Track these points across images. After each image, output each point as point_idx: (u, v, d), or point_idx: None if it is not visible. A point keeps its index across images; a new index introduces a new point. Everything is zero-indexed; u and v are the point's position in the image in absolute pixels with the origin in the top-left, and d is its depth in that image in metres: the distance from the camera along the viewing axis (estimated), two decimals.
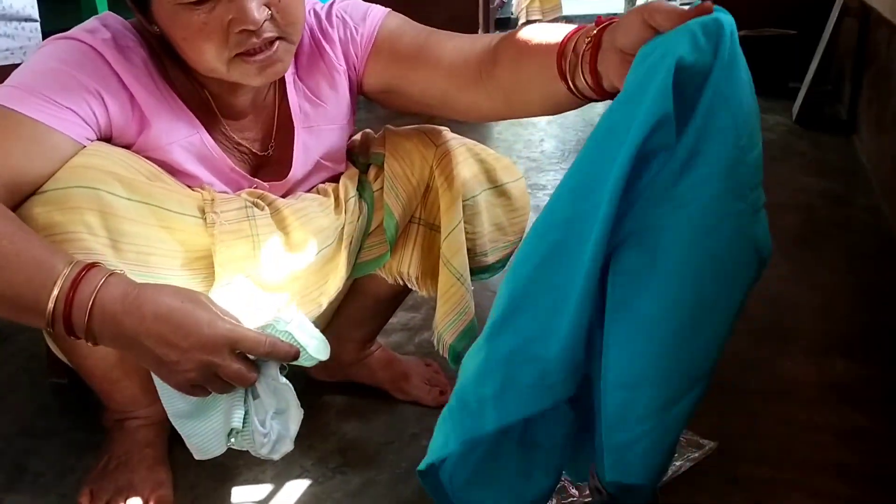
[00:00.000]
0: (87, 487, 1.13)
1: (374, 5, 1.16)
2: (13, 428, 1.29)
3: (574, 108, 0.97)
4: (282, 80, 1.11)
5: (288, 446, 0.97)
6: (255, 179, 1.11)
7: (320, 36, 1.13)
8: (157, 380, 0.93)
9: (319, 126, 1.15)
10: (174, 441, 1.21)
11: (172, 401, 0.95)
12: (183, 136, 1.02)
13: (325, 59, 1.13)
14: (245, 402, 0.94)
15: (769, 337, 1.58)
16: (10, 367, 1.46)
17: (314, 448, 1.24)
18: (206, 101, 1.05)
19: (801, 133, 3.04)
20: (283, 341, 0.92)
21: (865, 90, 2.87)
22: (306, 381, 1.38)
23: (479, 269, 1.26)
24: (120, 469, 1.14)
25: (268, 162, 1.14)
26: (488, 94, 1.06)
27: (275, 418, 0.95)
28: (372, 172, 1.24)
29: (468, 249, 1.20)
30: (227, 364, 0.88)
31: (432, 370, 1.44)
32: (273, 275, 1.08)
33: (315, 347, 0.94)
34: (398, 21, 1.15)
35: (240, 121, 1.09)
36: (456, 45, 1.09)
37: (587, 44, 0.86)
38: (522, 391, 0.82)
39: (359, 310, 1.35)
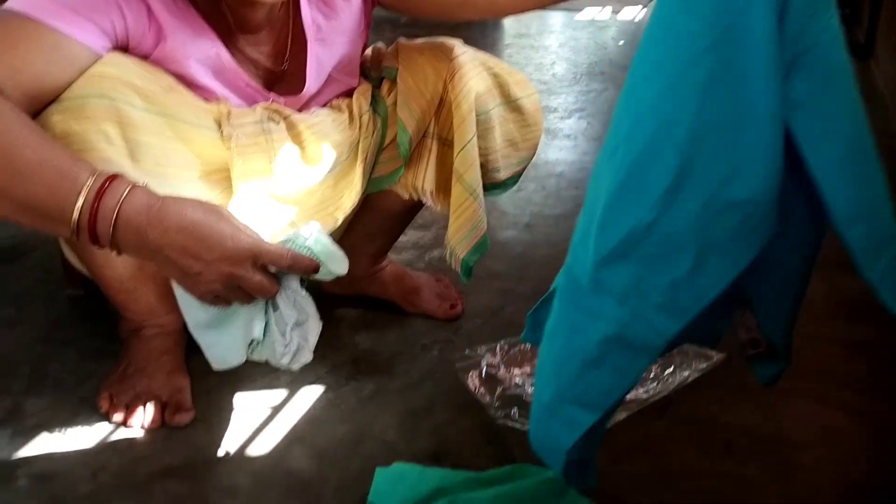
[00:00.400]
0: (106, 391, 1.15)
1: None
2: (31, 337, 1.31)
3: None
4: None
5: (307, 357, 0.98)
6: (271, 94, 1.10)
7: None
8: (177, 290, 0.94)
9: (332, 38, 1.14)
10: (191, 350, 1.24)
11: (193, 311, 0.96)
12: (200, 50, 1.02)
13: None
14: (265, 313, 0.95)
15: None
16: (27, 280, 1.47)
17: (327, 358, 1.26)
18: (223, 15, 1.04)
19: None
20: (303, 255, 0.92)
21: (885, 13, 2.81)
22: (319, 295, 1.38)
23: (491, 186, 1.26)
24: (138, 374, 1.16)
25: (282, 77, 1.13)
26: None
27: (294, 329, 0.96)
28: (385, 87, 1.23)
29: (480, 165, 1.20)
30: (250, 276, 0.89)
31: (443, 285, 1.46)
32: (289, 189, 1.09)
33: (334, 262, 0.95)
34: None
35: (255, 35, 1.08)
36: None
37: None
38: (725, 248, 0.71)
39: (371, 224, 1.35)
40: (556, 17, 3.93)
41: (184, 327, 1.23)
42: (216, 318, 0.96)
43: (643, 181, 0.70)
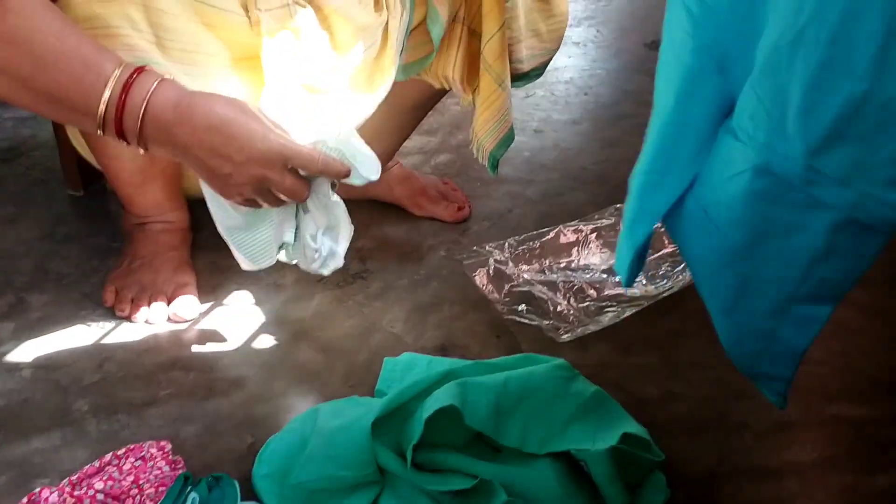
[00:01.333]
0: (111, 285, 1.14)
1: None
2: (32, 234, 1.29)
3: None
4: None
5: (338, 262, 0.96)
6: None
7: None
8: (206, 191, 0.92)
9: None
10: (196, 247, 1.22)
11: (222, 212, 0.94)
12: None
13: None
14: (296, 217, 0.93)
15: None
16: (26, 180, 1.45)
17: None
18: None
19: None
20: (334, 159, 0.90)
21: None
22: None
23: (514, 77, 1.22)
24: (144, 269, 1.15)
25: None
26: None
27: (325, 234, 0.95)
28: None
29: None
30: (281, 179, 0.87)
31: (450, 187, 1.43)
32: (320, 76, 1.04)
33: (366, 166, 0.92)
34: None
35: None
36: None
37: None
38: None
39: (381, 121, 1.30)
40: None
41: (190, 225, 1.22)
42: (246, 219, 0.94)
43: (848, 51, 0.62)
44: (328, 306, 1.16)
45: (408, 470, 0.81)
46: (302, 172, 0.90)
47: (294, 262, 0.97)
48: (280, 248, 0.95)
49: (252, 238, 0.94)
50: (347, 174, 0.91)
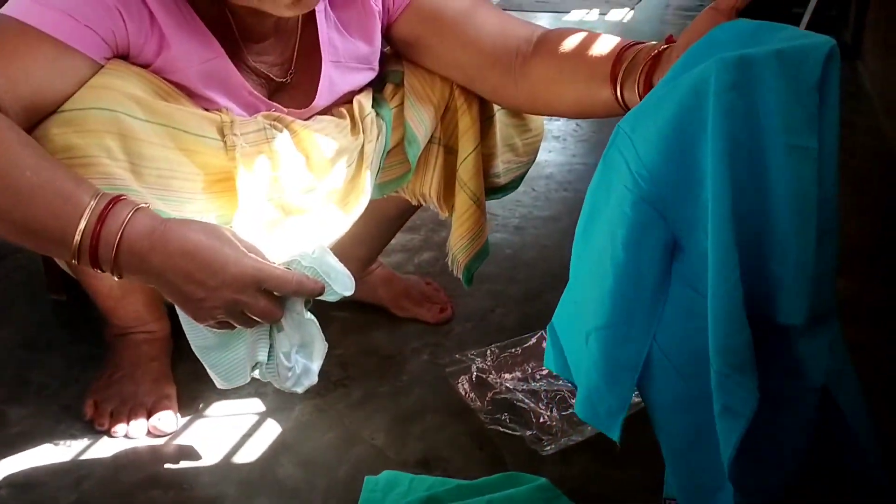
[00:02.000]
0: (90, 398, 1.13)
1: None
2: (14, 341, 1.28)
3: (602, 117, 0.99)
4: None
5: (313, 379, 0.97)
6: (274, 104, 1.05)
7: None
8: (181, 313, 0.92)
9: (349, 64, 1.10)
10: (177, 357, 1.22)
11: (196, 333, 0.94)
12: (202, 60, 0.97)
13: None
14: (270, 335, 0.94)
15: None
16: (9, 283, 1.45)
17: None
18: (227, 23, 0.99)
19: None
20: (308, 277, 0.91)
21: (871, 13, 2.82)
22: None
23: (491, 190, 1.24)
24: (124, 381, 1.14)
25: (286, 88, 1.09)
26: (515, 82, 1.06)
27: (299, 352, 0.95)
28: (388, 89, 1.17)
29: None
30: (254, 302, 0.87)
31: (432, 288, 1.44)
32: (296, 198, 1.05)
33: (340, 283, 0.93)
34: None
35: (260, 44, 1.04)
36: (500, 23, 1.08)
37: (651, 55, 0.87)
38: None
39: (364, 229, 1.31)
40: (544, 19, 3.92)
41: (171, 334, 1.22)
42: (221, 339, 0.94)
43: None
44: (309, 416, 1.15)
45: None
46: (276, 293, 0.90)
47: (268, 380, 0.97)
48: (254, 367, 0.96)
49: (226, 357, 0.95)
50: (322, 292, 0.92)
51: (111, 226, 0.82)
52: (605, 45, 0.98)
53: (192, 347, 0.95)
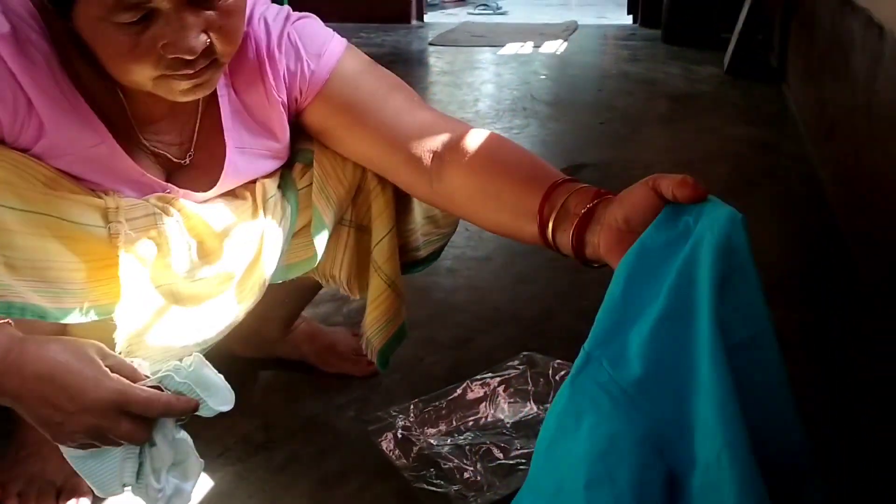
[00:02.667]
0: None
1: (333, 36, 1.05)
2: None
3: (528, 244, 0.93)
4: None
5: (185, 500, 0.93)
6: (170, 185, 1.00)
7: (265, 57, 1.01)
8: None
9: (255, 151, 1.05)
10: None
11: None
12: (87, 146, 0.92)
13: (266, 84, 1.01)
14: (140, 453, 0.90)
15: None
16: None
17: (237, 426, 1.21)
18: (117, 103, 0.95)
19: (733, 83, 3.05)
20: (179, 398, 0.86)
21: (793, 38, 2.89)
22: (231, 358, 1.34)
23: (410, 264, 1.22)
24: (31, 458, 1.09)
25: (186, 170, 1.03)
26: (430, 184, 1.00)
27: (171, 471, 0.90)
28: (297, 169, 1.12)
29: (400, 246, 1.15)
30: (115, 426, 0.83)
31: (359, 340, 1.41)
32: (186, 285, 0.99)
33: (218, 398, 0.89)
34: (356, 66, 1.05)
35: (155, 124, 0.99)
36: (416, 120, 1.02)
37: (582, 210, 0.81)
38: None
39: (283, 291, 1.26)
40: (481, 53, 3.96)
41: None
42: (90, 451, 0.89)
43: None
44: (229, 485, 1.11)
45: None
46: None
47: (139, 497, 0.93)
48: (124, 484, 0.92)
49: (98, 468, 0.90)
50: (195, 410, 0.88)
51: None
52: (531, 175, 0.91)
53: (64, 455, 0.90)
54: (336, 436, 1.21)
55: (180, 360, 0.90)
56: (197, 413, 0.88)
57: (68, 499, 1.06)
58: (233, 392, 0.90)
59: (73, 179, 0.92)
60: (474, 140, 0.98)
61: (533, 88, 3.21)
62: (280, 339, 1.36)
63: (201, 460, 0.92)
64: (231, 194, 1.06)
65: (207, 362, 0.90)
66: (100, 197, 0.93)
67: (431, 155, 0.99)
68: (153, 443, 0.88)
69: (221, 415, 0.92)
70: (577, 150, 2.38)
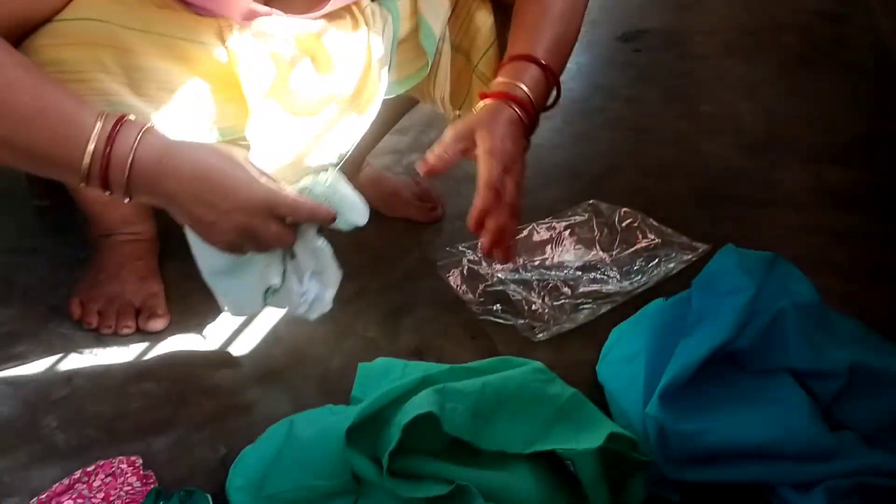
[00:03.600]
0: (77, 297, 1.12)
1: None
2: None
3: None
4: None
5: (325, 306, 0.95)
6: (274, 9, 0.97)
7: None
8: (190, 237, 0.90)
9: None
10: (164, 256, 1.20)
11: (207, 258, 0.91)
12: None
13: None
14: (283, 262, 0.92)
15: (763, 148, 1.56)
16: None
17: None
18: None
19: None
20: (320, 205, 0.88)
21: None
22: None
23: None
24: (110, 280, 1.13)
25: None
26: None
27: (312, 278, 0.93)
28: None
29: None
30: (265, 227, 0.85)
31: (422, 188, 1.42)
32: (305, 101, 1.00)
33: (353, 211, 0.91)
34: None
35: None
36: None
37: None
38: None
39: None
40: None
41: (158, 236, 1.20)
42: (232, 265, 0.92)
43: None
44: None
45: (384, 477, 0.80)
46: (288, 219, 0.88)
47: (283, 307, 0.95)
48: (266, 293, 0.94)
49: (237, 284, 0.92)
50: (334, 220, 0.90)
51: (121, 149, 0.78)
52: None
53: (203, 273, 0.92)
54: (403, 272, 1.23)
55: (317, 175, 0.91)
56: (333, 226, 0.90)
57: (147, 318, 1.10)
58: (368, 207, 0.92)
59: (183, 4, 0.91)
60: None
61: None
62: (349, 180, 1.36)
63: (340, 270, 0.95)
64: (328, 15, 1.04)
65: (344, 177, 0.91)
66: (212, 19, 0.92)
67: None
68: (294, 255, 0.90)
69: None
70: (638, 15, 2.29)
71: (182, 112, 0.90)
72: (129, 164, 0.79)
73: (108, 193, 0.82)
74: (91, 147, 0.78)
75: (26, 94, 0.77)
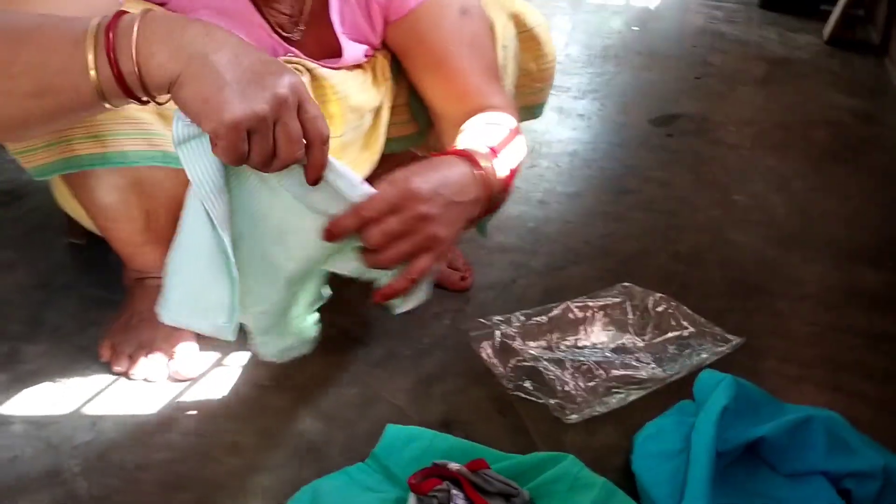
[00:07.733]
0: (108, 340, 1.11)
1: None
2: (30, 282, 1.26)
3: None
4: None
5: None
6: (293, 49, 1.03)
7: None
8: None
9: (352, 35, 1.07)
10: None
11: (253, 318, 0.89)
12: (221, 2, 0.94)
13: None
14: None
15: (797, 244, 1.56)
16: (25, 224, 1.42)
17: (336, 322, 1.22)
18: None
19: (832, 52, 2.95)
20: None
21: None
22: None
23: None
24: (143, 325, 1.12)
25: (295, 45, 1.05)
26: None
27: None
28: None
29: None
30: (292, 117, 0.71)
31: (452, 254, 1.42)
32: None
33: (353, 188, 0.80)
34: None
35: None
36: (466, 82, 1.04)
37: None
38: None
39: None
40: (564, 1, 3.88)
41: None
42: (272, 320, 0.90)
43: None
44: (330, 372, 1.13)
45: None
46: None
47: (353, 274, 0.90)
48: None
49: (278, 335, 0.92)
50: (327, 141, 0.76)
51: (124, 23, 0.69)
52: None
53: (252, 343, 0.92)
54: (433, 339, 1.22)
55: None
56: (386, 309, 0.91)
57: (177, 366, 1.09)
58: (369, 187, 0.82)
59: None
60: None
61: (625, 38, 3.14)
62: None
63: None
64: (349, 67, 1.08)
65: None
66: None
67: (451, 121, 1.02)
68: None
69: (319, 309, 0.96)
70: (671, 100, 2.33)
71: None
72: (136, 28, 0.69)
73: (128, 97, 0.72)
74: (94, 21, 0.70)
75: (20, 17, 0.72)
